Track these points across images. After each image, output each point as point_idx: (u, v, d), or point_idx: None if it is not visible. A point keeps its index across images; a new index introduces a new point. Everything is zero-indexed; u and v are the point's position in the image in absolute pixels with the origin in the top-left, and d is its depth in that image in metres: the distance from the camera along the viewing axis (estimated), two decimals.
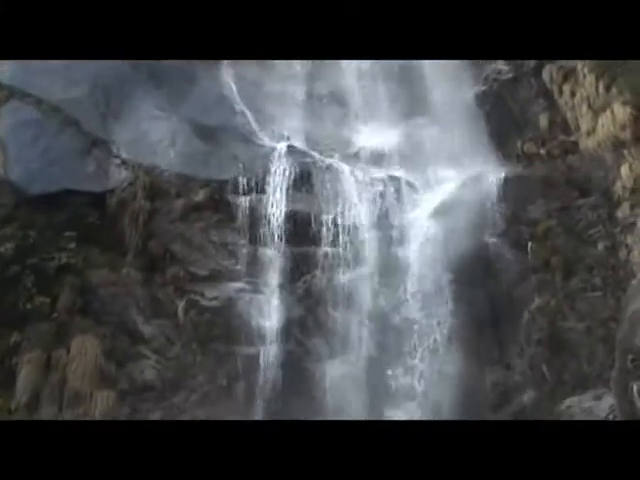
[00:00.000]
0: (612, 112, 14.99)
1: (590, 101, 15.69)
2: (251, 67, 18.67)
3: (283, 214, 16.52)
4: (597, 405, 13.20)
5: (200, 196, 16.81)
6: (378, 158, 17.86)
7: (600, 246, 14.97)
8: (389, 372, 15.35)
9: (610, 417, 12.82)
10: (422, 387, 15.29)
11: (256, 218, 16.58)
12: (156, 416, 15.10)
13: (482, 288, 15.59)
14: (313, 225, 16.45)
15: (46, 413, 14.64)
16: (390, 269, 16.12)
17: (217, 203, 16.79)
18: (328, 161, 17.39)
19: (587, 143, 15.72)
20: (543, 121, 16.97)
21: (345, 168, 17.28)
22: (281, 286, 16.22)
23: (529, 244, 15.75)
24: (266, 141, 17.82)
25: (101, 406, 14.86)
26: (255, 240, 16.49)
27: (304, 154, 17.54)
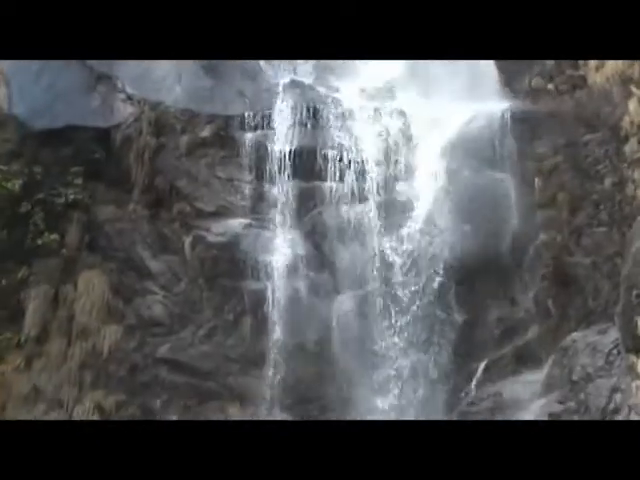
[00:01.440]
0: None
1: None
2: None
3: (289, 150, 16.40)
4: (601, 339, 13.16)
5: (206, 132, 16.73)
6: (385, 93, 17.68)
7: (607, 182, 14.90)
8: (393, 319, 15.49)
9: (614, 352, 12.88)
10: (426, 323, 15.38)
11: (262, 154, 16.48)
12: (164, 349, 15.34)
13: (487, 224, 15.55)
14: (319, 160, 16.34)
15: (55, 346, 14.88)
16: (396, 204, 16.11)
17: (223, 139, 16.67)
18: (334, 96, 17.24)
19: (595, 78, 15.56)
20: None
21: (351, 103, 17.12)
22: (287, 222, 16.24)
23: (535, 180, 15.67)
24: (271, 76, 17.65)
25: (109, 340, 15.02)
26: (261, 176, 16.43)
27: (310, 89, 17.39)
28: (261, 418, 14.79)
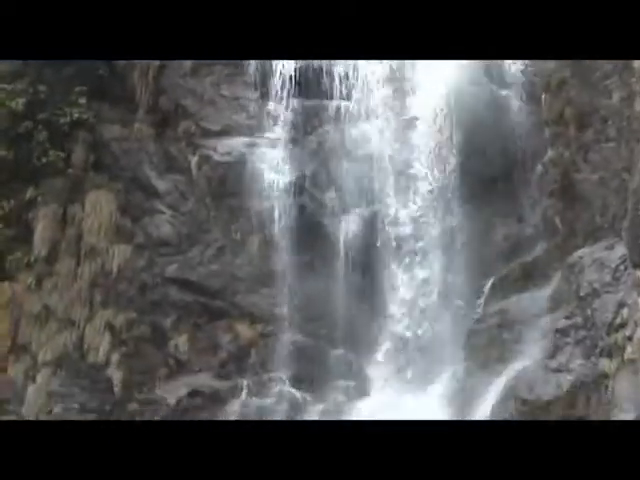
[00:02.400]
0: None
1: None
2: None
3: (294, 67, 16.25)
4: (608, 255, 13.02)
5: None
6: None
7: (615, 97, 14.66)
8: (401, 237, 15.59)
9: (621, 267, 12.90)
10: (434, 240, 15.54)
11: (267, 71, 16.37)
12: (173, 269, 15.39)
13: (495, 141, 15.46)
14: (325, 78, 16.24)
15: (64, 266, 14.94)
16: (402, 121, 16.00)
17: None
18: None
19: None
20: None
21: None
22: (293, 140, 16.18)
23: (543, 96, 15.48)
24: None
25: (118, 259, 15.12)
26: (266, 94, 16.35)
27: None
28: (270, 336, 15.08)
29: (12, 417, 13.72)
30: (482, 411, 12.77)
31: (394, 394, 14.22)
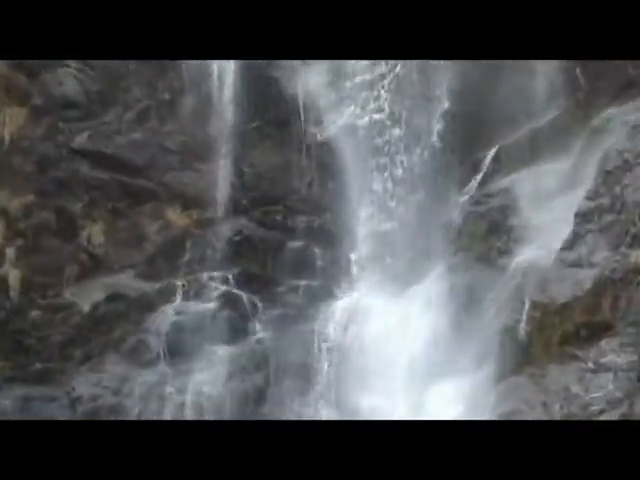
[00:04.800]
0: None
1: None
2: None
3: None
4: None
5: None
6: None
7: None
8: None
9: None
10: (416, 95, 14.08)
11: None
12: (83, 138, 14.10)
13: None
14: None
15: None
16: None
17: None
18: None
19: None
20: None
21: None
22: None
23: None
24: None
25: (10, 126, 13.72)
26: None
27: None
28: (209, 224, 13.99)
29: None
30: (482, 320, 12.02)
31: (368, 297, 13.40)
